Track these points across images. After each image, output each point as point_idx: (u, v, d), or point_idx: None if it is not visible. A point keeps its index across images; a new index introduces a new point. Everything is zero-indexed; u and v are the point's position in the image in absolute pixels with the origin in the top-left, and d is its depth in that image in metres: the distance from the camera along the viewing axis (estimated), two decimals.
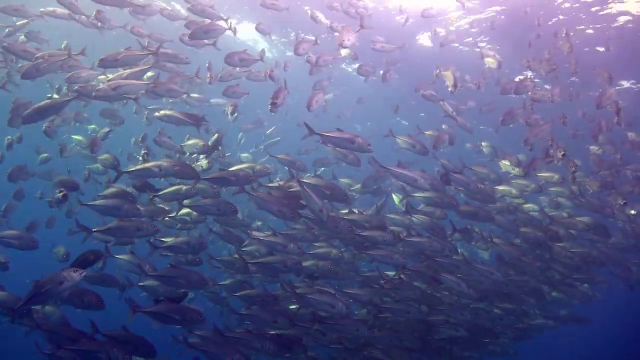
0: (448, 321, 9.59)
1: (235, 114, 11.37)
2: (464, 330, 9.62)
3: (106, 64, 8.50)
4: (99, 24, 10.69)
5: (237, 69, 11.36)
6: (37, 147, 13.50)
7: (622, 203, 11.17)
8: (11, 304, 7.29)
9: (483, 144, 12.77)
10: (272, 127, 18.29)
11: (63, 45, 11.01)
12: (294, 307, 8.92)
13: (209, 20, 10.12)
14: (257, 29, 12.23)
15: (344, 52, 12.58)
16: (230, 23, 10.33)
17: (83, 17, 10.76)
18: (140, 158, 10.46)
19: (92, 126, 12.85)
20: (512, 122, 10.63)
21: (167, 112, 9.63)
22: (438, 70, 10.87)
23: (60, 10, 10.96)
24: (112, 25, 10.97)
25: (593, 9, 15.50)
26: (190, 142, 9.75)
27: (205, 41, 10.61)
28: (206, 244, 8.78)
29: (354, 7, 12.12)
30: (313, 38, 11.01)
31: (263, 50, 11.13)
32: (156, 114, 9.84)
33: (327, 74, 15.28)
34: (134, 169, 8.42)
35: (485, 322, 10.31)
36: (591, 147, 12.38)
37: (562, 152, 9.68)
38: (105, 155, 9.86)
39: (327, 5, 12.35)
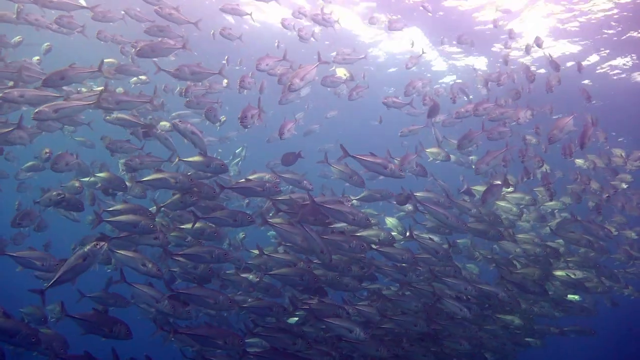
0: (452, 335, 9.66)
1: (221, 121, 11.12)
2: (467, 344, 9.69)
3: (50, 83, 8.10)
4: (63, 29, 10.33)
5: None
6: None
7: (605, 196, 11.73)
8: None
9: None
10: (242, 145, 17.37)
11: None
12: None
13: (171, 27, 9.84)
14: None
15: (340, 71, 12.67)
16: (185, 40, 9.86)
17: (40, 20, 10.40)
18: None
19: (80, 139, 12.25)
20: (469, 145, 10.46)
21: (119, 115, 9.16)
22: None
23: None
24: (76, 29, 10.54)
25: None
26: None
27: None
28: (231, 255, 8.59)
29: (326, 22, 12.21)
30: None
31: (224, 65, 10.17)
32: (107, 117, 9.36)
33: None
34: (149, 178, 8.29)
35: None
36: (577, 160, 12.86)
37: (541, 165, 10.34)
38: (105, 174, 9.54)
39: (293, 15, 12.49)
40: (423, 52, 14.82)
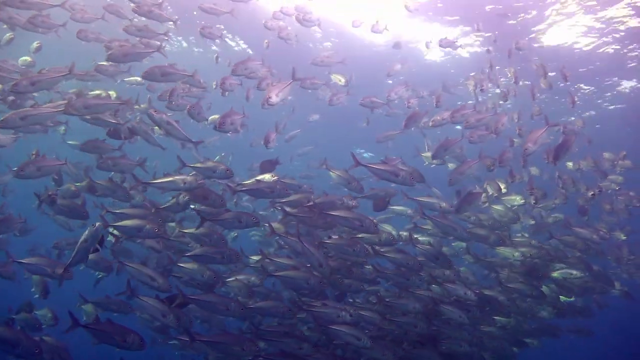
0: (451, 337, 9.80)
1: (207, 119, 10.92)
2: (467, 346, 9.83)
3: (21, 88, 7.96)
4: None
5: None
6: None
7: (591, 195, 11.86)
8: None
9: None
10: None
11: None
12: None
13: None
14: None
15: (335, 77, 12.76)
16: (162, 43, 9.65)
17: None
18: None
19: (72, 142, 12.02)
20: (445, 154, 10.27)
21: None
22: None
23: None
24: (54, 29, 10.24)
25: None
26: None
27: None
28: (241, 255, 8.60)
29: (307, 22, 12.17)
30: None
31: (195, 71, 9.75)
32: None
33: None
34: (159, 181, 8.25)
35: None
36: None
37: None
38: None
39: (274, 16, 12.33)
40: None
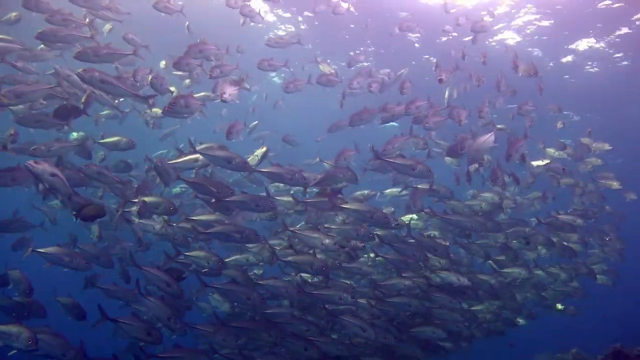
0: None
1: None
2: (443, 333, 9.89)
3: None
4: None
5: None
6: None
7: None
8: None
9: None
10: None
11: None
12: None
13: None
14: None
15: (324, 67, 12.76)
16: (89, 23, 9.11)
17: None
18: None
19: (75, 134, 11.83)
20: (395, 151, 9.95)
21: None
22: None
23: None
24: None
25: None
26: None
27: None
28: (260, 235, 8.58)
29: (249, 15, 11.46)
30: None
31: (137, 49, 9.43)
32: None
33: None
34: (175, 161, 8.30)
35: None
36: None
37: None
38: None
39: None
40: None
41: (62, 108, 8.64)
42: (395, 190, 11.83)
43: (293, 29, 18.98)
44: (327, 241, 8.46)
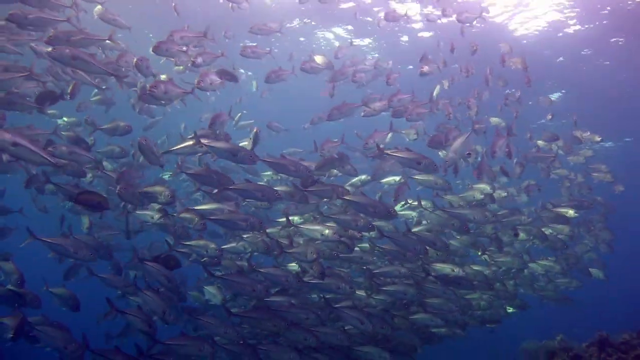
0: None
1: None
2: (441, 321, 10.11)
3: None
4: None
5: None
6: None
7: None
8: None
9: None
10: None
11: None
12: None
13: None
14: None
15: (318, 58, 12.44)
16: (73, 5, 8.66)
17: None
18: None
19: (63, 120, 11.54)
20: (340, 116, 10.15)
21: None
22: None
23: None
24: None
25: None
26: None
27: None
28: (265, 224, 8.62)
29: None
30: None
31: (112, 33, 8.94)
32: None
33: None
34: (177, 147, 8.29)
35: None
36: None
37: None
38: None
39: None
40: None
41: (44, 93, 8.59)
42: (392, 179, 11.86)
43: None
44: (327, 232, 8.55)
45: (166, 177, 13.11)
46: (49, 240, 7.56)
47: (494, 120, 12.60)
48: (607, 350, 10.46)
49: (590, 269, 13.73)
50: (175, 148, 8.30)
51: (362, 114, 10.69)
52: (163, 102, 8.48)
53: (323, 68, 11.64)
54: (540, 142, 13.18)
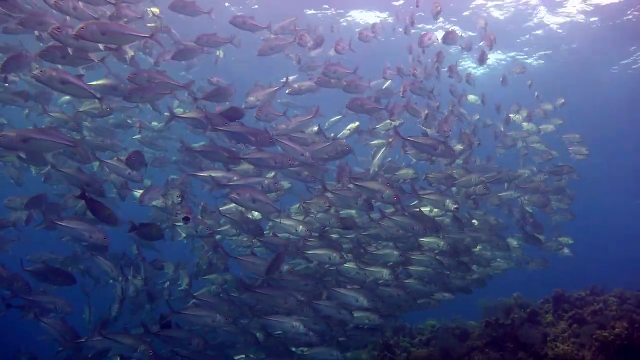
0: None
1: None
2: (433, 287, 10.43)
3: None
4: None
5: None
6: None
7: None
8: None
9: None
10: None
11: None
12: None
13: None
14: None
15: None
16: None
17: None
18: None
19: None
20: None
21: None
22: None
23: None
24: None
25: None
26: None
27: None
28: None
29: None
30: None
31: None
32: None
33: None
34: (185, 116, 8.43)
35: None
36: None
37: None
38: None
39: None
40: None
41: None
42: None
43: None
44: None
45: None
46: (62, 224, 7.31)
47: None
48: (563, 306, 10.80)
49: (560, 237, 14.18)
50: (184, 116, 8.39)
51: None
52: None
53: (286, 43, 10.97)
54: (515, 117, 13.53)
